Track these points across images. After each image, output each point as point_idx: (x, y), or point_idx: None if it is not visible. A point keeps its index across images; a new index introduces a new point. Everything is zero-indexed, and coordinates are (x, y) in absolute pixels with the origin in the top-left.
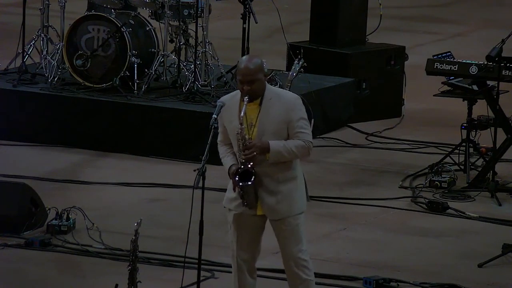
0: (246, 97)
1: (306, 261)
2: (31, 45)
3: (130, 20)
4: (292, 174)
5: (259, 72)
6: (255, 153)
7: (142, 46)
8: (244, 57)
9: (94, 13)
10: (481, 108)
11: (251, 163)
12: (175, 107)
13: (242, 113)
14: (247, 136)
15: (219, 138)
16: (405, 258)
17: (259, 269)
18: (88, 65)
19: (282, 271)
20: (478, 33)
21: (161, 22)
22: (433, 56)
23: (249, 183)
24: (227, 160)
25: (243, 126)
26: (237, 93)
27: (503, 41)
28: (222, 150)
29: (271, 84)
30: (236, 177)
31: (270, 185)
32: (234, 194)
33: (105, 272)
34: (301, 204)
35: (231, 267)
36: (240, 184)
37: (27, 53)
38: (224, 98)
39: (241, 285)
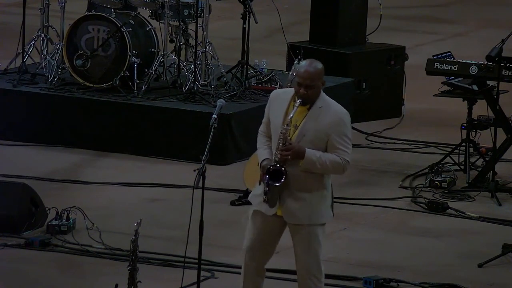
0: (299, 100)
1: (319, 272)
2: (31, 45)
3: (130, 20)
4: (321, 186)
5: (318, 79)
6: (289, 156)
7: (142, 46)
8: (306, 60)
9: (94, 13)
10: (481, 108)
11: (284, 165)
12: (175, 107)
13: (292, 114)
14: (288, 138)
15: (261, 128)
16: (405, 258)
17: None
18: (88, 65)
19: (284, 271)
20: (478, 33)
21: (161, 22)
22: (433, 56)
23: (277, 184)
24: (263, 152)
25: (288, 127)
26: (291, 90)
27: (503, 41)
28: (261, 140)
29: (271, 84)
30: (266, 174)
31: (296, 190)
32: (259, 190)
33: (105, 272)
34: (323, 215)
35: (231, 267)
36: (268, 182)
37: (27, 53)
38: (277, 91)
39: (246, 283)
